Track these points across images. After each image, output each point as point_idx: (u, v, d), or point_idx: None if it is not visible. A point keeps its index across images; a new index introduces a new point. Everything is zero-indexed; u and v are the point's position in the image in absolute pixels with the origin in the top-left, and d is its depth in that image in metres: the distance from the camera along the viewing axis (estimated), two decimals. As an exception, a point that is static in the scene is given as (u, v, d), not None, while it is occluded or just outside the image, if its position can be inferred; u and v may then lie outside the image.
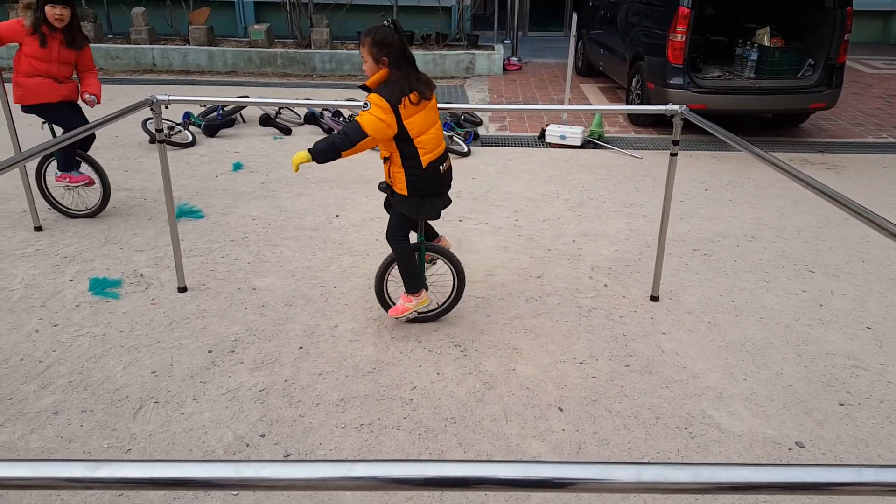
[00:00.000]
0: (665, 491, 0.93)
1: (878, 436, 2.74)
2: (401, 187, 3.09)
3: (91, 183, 4.69)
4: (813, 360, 3.24)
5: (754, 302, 3.76)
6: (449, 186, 3.25)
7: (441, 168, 3.12)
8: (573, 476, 0.93)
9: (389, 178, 3.16)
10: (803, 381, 3.07)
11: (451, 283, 3.50)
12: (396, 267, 3.36)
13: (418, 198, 3.11)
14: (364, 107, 2.92)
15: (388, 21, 2.95)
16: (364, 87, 3.01)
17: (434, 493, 2.41)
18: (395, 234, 3.25)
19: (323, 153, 2.94)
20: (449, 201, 3.29)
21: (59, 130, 4.49)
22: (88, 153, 4.78)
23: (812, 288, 3.93)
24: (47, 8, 4.14)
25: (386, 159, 3.12)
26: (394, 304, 3.44)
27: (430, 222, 3.51)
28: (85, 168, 4.73)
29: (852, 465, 0.92)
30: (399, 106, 2.88)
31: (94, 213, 4.76)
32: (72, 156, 4.63)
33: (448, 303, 3.53)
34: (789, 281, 4.01)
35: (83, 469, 0.89)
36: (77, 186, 4.69)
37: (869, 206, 2.18)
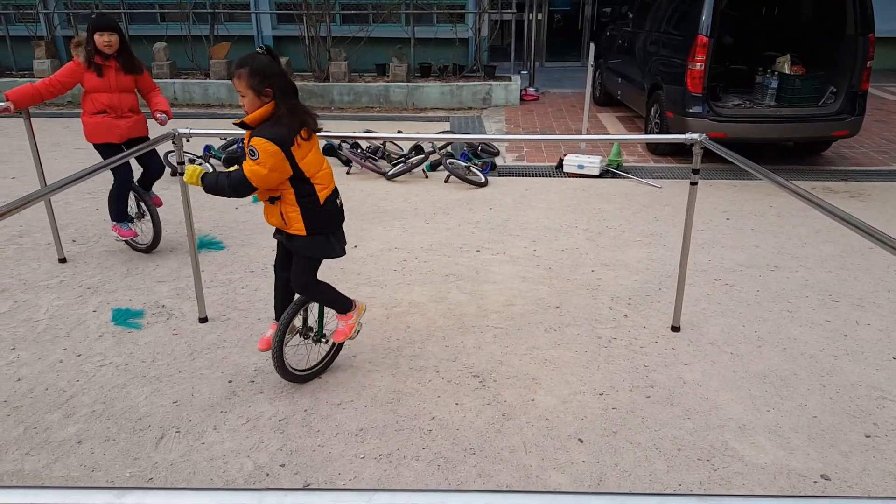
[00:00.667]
0: (689, 523, 0.92)
1: (908, 469, 2.67)
2: (298, 227, 2.81)
3: (134, 235, 4.70)
4: (838, 391, 3.18)
5: (778, 332, 3.71)
6: (343, 221, 3.03)
7: (338, 202, 2.94)
8: (595, 507, 0.93)
9: (282, 218, 2.83)
10: (828, 413, 3.01)
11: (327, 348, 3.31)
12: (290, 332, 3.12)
13: (323, 236, 2.90)
14: (251, 154, 2.60)
15: (261, 48, 2.65)
16: (242, 125, 2.67)
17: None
18: (304, 280, 3.00)
19: (211, 188, 2.72)
20: (344, 245, 3.05)
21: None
22: (152, 188, 4.80)
23: (836, 318, 3.87)
24: (95, 37, 4.20)
25: (273, 199, 2.81)
26: (293, 370, 3.15)
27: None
28: (135, 214, 4.77)
29: (883, 497, 0.90)
30: (291, 147, 2.63)
31: (148, 250, 4.78)
32: (123, 206, 4.65)
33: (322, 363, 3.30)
34: (813, 311, 3.96)
35: (110, 496, 0.91)
36: (121, 240, 4.71)
37: (895, 234, 2.16)
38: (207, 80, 10.79)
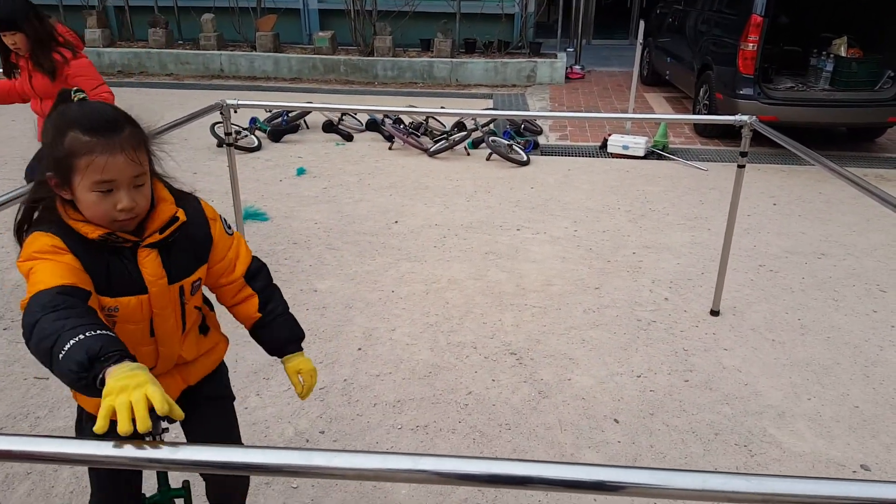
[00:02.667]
0: (728, 500, 0.93)
1: (954, 465, 2.61)
2: None
3: None
4: (882, 382, 3.11)
5: (822, 321, 3.64)
6: None
7: None
8: (635, 481, 0.94)
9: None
10: (871, 403, 2.96)
11: None
12: None
13: None
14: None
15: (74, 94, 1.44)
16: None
17: (488, 495, 2.43)
18: None
19: None
20: None
21: None
22: None
23: (884, 308, 3.77)
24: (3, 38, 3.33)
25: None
26: None
27: None
28: None
29: (926, 484, 0.90)
30: None
31: None
32: None
33: None
34: (859, 300, 3.86)
35: (165, 451, 0.96)
36: None
37: (950, 224, 2.10)
38: (253, 53, 10.91)
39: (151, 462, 0.99)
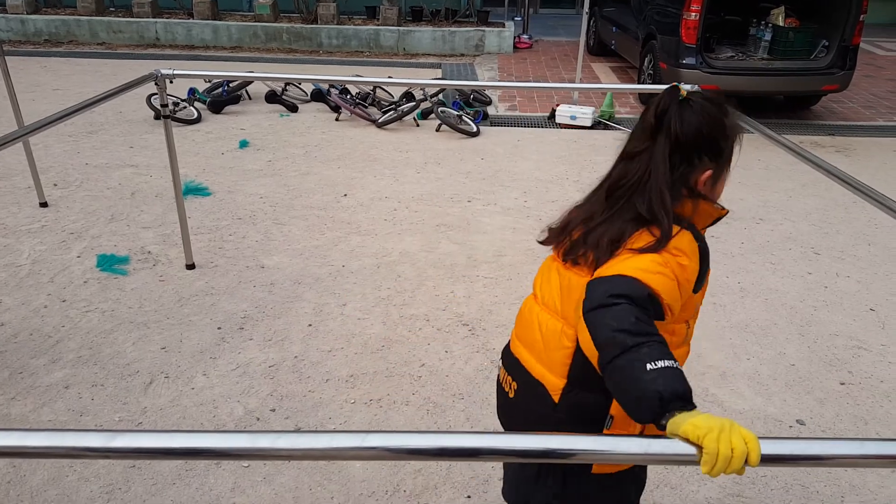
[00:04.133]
0: (672, 462, 0.95)
1: (876, 414, 2.76)
2: None
3: None
4: (816, 340, 3.26)
5: (760, 283, 3.77)
6: (503, 413, 1.63)
7: (499, 374, 1.61)
8: (583, 447, 0.95)
9: None
10: (806, 361, 3.09)
11: None
12: None
13: None
14: None
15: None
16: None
17: (442, 466, 2.45)
18: None
19: None
20: (505, 483, 1.76)
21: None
22: None
23: (818, 270, 3.93)
24: None
25: None
26: None
27: None
28: None
29: (856, 438, 0.93)
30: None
31: None
32: None
33: None
34: (795, 263, 4.01)
35: (101, 439, 0.92)
36: None
37: (878, 188, 2.18)
38: (191, 21, 10.47)
39: (86, 451, 0.95)
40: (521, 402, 1.48)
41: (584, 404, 1.37)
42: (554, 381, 1.39)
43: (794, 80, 6.62)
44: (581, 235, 1.40)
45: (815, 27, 6.69)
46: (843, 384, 2.95)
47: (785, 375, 3.00)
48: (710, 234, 4.31)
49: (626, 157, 1.47)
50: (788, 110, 7.34)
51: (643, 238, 1.28)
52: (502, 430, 1.66)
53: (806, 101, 7.40)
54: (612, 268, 1.25)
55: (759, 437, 0.91)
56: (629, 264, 1.23)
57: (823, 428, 2.69)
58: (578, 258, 1.38)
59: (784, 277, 3.84)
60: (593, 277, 1.26)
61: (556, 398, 1.39)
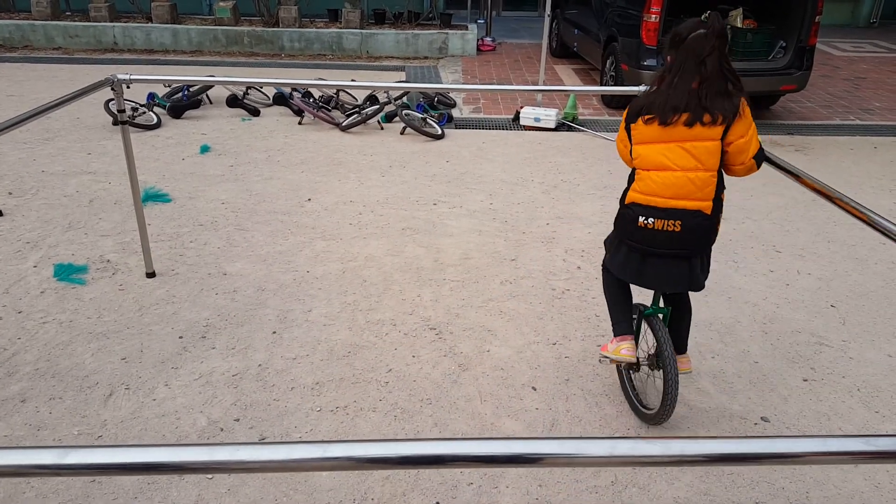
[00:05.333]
0: (637, 464, 0.94)
1: (839, 410, 2.82)
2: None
3: None
4: (779, 337, 3.32)
5: (723, 282, 3.83)
6: (662, 253, 2.35)
7: (641, 220, 2.32)
8: (548, 451, 0.94)
9: None
10: (769, 359, 3.15)
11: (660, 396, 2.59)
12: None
13: (615, 234, 2.52)
14: None
15: (706, 15, 2.29)
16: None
17: (410, 472, 2.42)
18: (605, 259, 2.65)
19: None
20: (675, 282, 2.42)
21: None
22: None
23: (779, 268, 4.01)
24: None
25: None
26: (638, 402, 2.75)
27: (684, 336, 2.71)
28: None
29: (819, 435, 0.94)
30: (632, 123, 2.33)
31: None
32: None
33: (651, 412, 2.63)
34: (757, 261, 4.09)
35: (52, 455, 0.88)
36: None
37: (836, 187, 2.23)
38: (150, 25, 10.26)
39: (39, 469, 0.90)
40: (690, 227, 2.30)
41: (717, 206, 2.34)
42: (706, 205, 2.29)
43: (753, 80, 6.76)
44: (700, 108, 2.19)
45: (772, 28, 6.85)
46: (805, 381, 3.00)
47: (749, 373, 3.04)
48: (674, 234, 4.30)
49: (698, 59, 2.21)
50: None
51: (745, 104, 2.25)
52: (471, 436, 1.65)
53: (765, 101, 7.57)
54: (750, 136, 2.29)
55: (725, 437, 0.91)
56: (754, 130, 2.30)
57: (788, 425, 2.74)
58: (705, 121, 2.20)
59: (747, 276, 3.91)
60: (748, 140, 2.28)
61: (709, 213, 2.31)
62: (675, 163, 2.26)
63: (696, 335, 3.31)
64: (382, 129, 6.59)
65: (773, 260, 4.10)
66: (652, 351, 2.64)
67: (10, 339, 3.14)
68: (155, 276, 3.73)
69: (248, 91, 7.15)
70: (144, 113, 6.41)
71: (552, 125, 6.61)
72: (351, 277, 3.78)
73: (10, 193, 4.78)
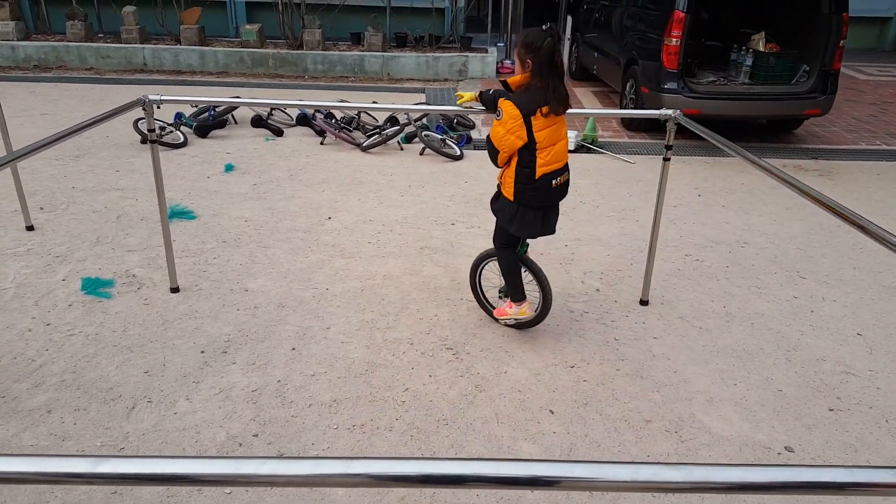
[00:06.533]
0: (660, 490, 0.94)
1: (866, 441, 2.76)
2: (507, 191, 3.03)
3: None
4: (803, 365, 3.27)
5: (746, 308, 3.79)
6: (557, 199, 3.09)
7: (553, 182, 2.99)
8: (570, 475, 0.94)
9: (500, 179, 3.11)
10: (793, 387, 3.10)
11: (538, 300, 3.34)
12: (495, 264, 3.40)
13: (515, 206, 3.01)
14: (497, 115, 2.89)
15: (547, 26, 2.83)
16: (504, 83, 2.95)
17: (426, 492, 2.41)
18: (498, 240, 3.23)
19: (487, 143, 3.03)
20: (551, 227, 3.13)
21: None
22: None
23: (803, 294, 3.96)
24: None
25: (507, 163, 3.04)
26: (488, 302, 3.57)
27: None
28: None
29: (845, 465, 0.93)
30: (532, 116, 2.83)
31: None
32: None
33: (532, 319, 3.41)
34: (781, 287, 4.04)
35: (86, 464, 0.90)
36: None
37: (861, 212, 2.21)
38: (178, 46, 10.50)
39: (71, 477, 0.93)
40: (568, 180, 3.07)
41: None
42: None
43: (776, 104, 6.75)
44: (563, 103, 2.86)
45: (795, 52, 6.84)
46: (831, 410, 2.95)
47: (773, 401, 3.00)
48: (695, 258, 4.34)
49: (553, 60, 2.80)
50: (771, 135, 7.47)
51: None
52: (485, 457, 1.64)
53: (788, 126, 7.53)
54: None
55: (750, 465, 0.90)
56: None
57: (813, 455, 2.69)
58: (567, 105, 2.89)
59: (770, 301, 3.87)
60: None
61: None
62: (560, 136, 2.96)
63: (718, 361, 3.28)
64: (402, 149, 6.65)
65: (796, 286, 4.06)
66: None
67: (38, 351, 3.20)
68: (179, 291, 3.79)
69: (272, 112, 7.27)
70: (172, 132, 6.54)
71: (571, 147, 6.63)
72: (369, 296, 3.80)
73: (42, 208, 4.90)
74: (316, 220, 4.84)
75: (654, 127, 7.36)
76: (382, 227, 4.76)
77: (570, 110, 2.96)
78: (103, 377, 3.02)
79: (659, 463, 0.95)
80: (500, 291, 3.52)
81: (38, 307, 3.59)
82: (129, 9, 10.63)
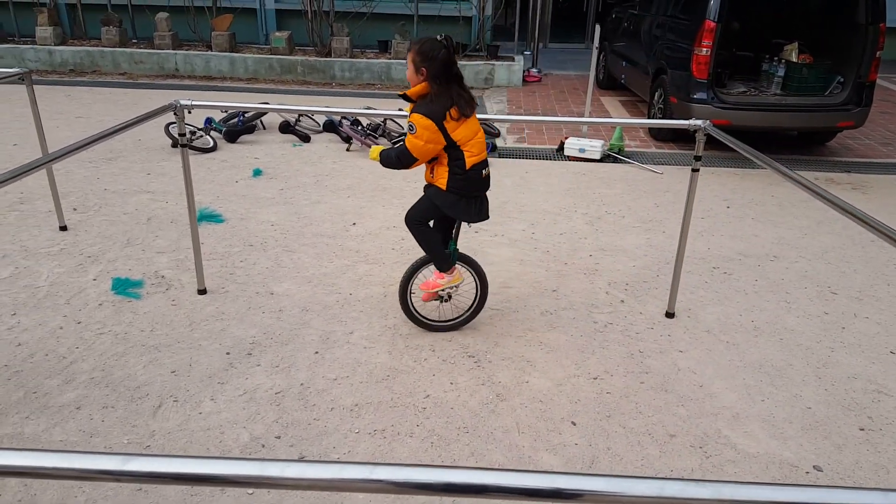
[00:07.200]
0: (686, 506, 0.92)
1: (898, 461, 2.69)
2: (441, 182, 3.17)
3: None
4: (833, 383, 3.20)
5: (775, 322, 3.73)
6: (486, 190, 3.31)
7: (484, 171, 3.19)
8: (594, 488, 0.93)
9: (431, 175, 3.23)
10: (823, 405, 3.04)
11: (474, 291, 3.53)
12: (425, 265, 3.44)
13: (457, 196, 3.16)
14: (409, 129, 3.01)
15: (441, 36, 3.04)
16: (404, 97, 3.13)
17: (446, 500, 2.41)
18: (414, 218, 3.32)
19: (385, 161, 3.19)
20: (486, 214, 3.33)
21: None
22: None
23: (834, 310, 3.89)
24: None
25: (432, 159, 3.18)
26: (417, 312, 3.52)
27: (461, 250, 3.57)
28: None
29: (881, 489, 0.91)
30: (444, 121, 2.97)
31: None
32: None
33: (469, 312, 3.55)
34: (811, 302, 3.97)
35: (115, 462, 0.91)
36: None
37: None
38: (209, 53, 10.68)
39: (101, 473, 0.94)
40: (489, 170, 3.26)
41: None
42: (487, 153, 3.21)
43: (808, 116, 6.64)
44: (469, 104, 3.05)
45: (829, 63, 6.72)
46: (862, 430, 2.88)
47: (801, 419, 2.94)
48: (723, 271, 4.28)
49: (450, 67, 3.02)
50: (802, 147, 7.35)
51: None
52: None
53: (820, 138, 7.41)
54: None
55: (780, 484, 0.89)
56: None
57: (842, 475, 2.63)
58: (473, 107, 3.07)
59: (800, 317, 3.80)
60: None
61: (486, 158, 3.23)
62: (474, 131, 3.09)
63: (745, 376, 3.22)
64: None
65: (827, 302, 3.98)
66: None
67: (69, 348, 3.27)
68: (206, 293, 3.84)
69: (300, 118, 7.35)
70: (201, 136, 6.65)
71: (597, 156, 6.60)
72: (392, 301, 3.81)
73: (75, 209, 5.00)
74: (341, 226, 4.87)
75: (681, 137, 7.29)
76: (406, 234, 4.76)
77: (597, 119, 2.97)
78: (131, 376, 3.07)
79: (686, 479, 0.94)
80: (438, 296, 3.51)
81: (70, 305, 3.67)
82: (162, 15, 10.84)
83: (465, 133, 3.06)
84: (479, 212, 3.29)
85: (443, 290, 3.43)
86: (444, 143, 3.02)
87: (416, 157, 3.05)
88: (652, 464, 2.64)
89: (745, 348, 3.47)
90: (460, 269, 3.45)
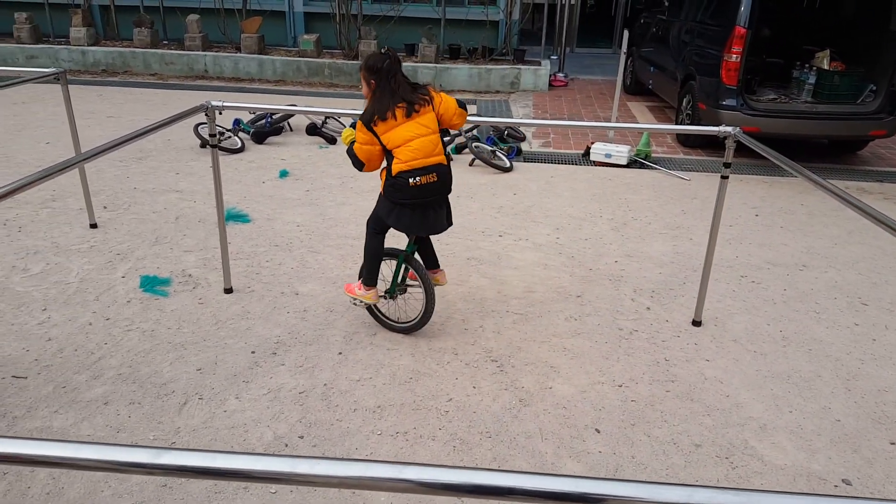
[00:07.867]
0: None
1: (930, 477, 2.63)
2: (382, 189, 3.20)
3: None
4: (864, 395, 3.14)
5: (803, 333, 3.67)
6: (429, 202, 3.16)
7: (412, 181, 3.04)
8: (620, 493, 0.93)
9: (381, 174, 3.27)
10: (852, 417, 2.98)
11: (420, 306, 3.46)
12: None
13: (391, 202, 3.15)
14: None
15: (384, 49, 3.18)
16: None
17: (468, 502, 2.40)
18: (370, 223, 3.34)
19: (349, 154, 3.19)
20: (434, 227, 3.24)
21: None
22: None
23: (865, 321, 3.81)
24: None
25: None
26: (381, 313, 3.58)
27: (435, 256, 3.59)
28: None
29: (915, 500, 0.89)
30: (374, 125, 3.02)
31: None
32: None
33: (412, 323, 3.50)
34: (841, 313, 3.90)
35: (147, 455, 0.93)
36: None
37: (930, 237, 2.12)
38: (238, 54, 10.82)
39: (134, 466, 0.96)
40: (443, 178, 3.14)
41: (448, 159, 3.21)
42: (443, 157, 3.15)
43: (840, 124, 6.53)
44: (408, 102, 3.04)
45: (861, 71, 6.60)
46: (893, 444, 2.82)
47: (830, 431, 2.89)
48: (751, 280, 4.22)
49: (390, 77, 3.04)
50: (833, 155, 7.22)
51: (430, 89, 3.21)
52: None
53: (852, 147, 7.28)
54: (446, 99, 3.22)
55: (813, 494, 0.87)
56: (445, 96, 3.23)
57: (872, 489, 2.58)
58: (418, 110, 3.05)
59: (829, 328, 3.73)
60: (446, 102, 3.21)
61: (446, 163, 3.16)
62: (415, 133, 3.03)
63: (773, 387, 3.17)
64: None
65: (858, 313, 3.90)
66: (389, 284, 3.52)
67: (97, 344, 3.33)
68: (232, 292, 3.88)
69: (327, 120, 7.41)
70: (230, 137, 6.73)
71: (624, 162, 6.55)
72: (415, 304, 3.81)
73: (105, 207, 5.10)
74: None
75: (710, 144, 7.21)
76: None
77: (624, 125, 2.94)
78: (157, 372, 3.12)
79: (714, 487, 0.93)
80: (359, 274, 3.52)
81: (99, 302, 3.73)
82: (192, 17, 11.02)
83: (396, 137, 3.02)
84: (422, 223, 3.19)
85: (354, 301, 3.42)
86: (378, 145, 3.05)
87: (360, 157, 3.09)
88: (677, 473, 2.61)
89: (772, 358, 3.42)
90: (377, 294, 3.41)
